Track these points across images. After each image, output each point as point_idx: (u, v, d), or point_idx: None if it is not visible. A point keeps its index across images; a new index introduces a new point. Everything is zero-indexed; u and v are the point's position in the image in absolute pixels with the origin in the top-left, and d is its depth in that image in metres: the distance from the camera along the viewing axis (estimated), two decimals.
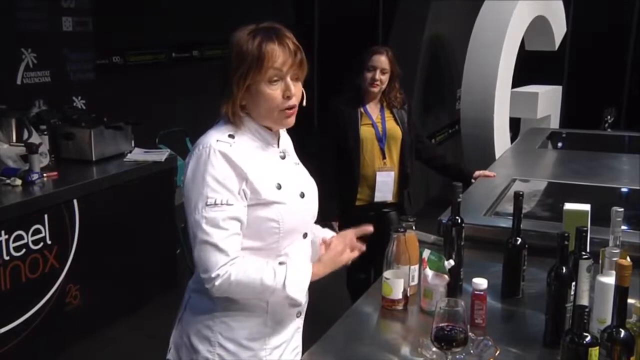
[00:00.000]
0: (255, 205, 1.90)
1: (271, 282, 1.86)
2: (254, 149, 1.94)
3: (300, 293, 1.91)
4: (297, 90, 1.93)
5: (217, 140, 1.87)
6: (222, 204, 1.83)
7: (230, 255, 1.83)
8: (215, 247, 1.82)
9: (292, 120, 1.96)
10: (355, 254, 2.10)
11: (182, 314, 2.05)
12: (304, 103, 1.99)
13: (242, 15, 6.86)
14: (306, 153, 2.14)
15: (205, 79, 6.58)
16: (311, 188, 2.09)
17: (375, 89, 3.80)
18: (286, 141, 2.10)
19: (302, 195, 2.02)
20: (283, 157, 2.04)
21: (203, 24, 6.73)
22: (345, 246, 2.07)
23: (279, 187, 1.94)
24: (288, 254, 1.99)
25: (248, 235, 1.92)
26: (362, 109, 3.86)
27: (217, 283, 1.82)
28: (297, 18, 8.19)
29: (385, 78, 3.80)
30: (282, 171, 1.99)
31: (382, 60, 3.79)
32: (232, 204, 1.84)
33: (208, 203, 1.83)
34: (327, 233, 2.21)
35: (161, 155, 5.00)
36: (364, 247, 2.11)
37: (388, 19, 8.19)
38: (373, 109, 3.89)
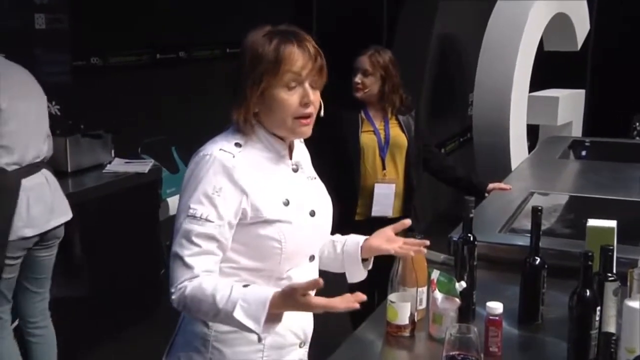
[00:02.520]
0: (256, 223, 1.92)
1: (222, 303, 1.77)
2: (262, 161, 1.96)
3: (251, 321, 1.74)
4: (315, 98, 1.95)
5: (220, 149, 1.90)
6: (200, 219, 1.86)
7: (195, 272, 1.84)
8: (182, 260, 1.85)
9: (308, 130, 1.98)
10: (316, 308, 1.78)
11: (174, 337, 2.07)
12: (322, 113, 2.01)
13: (234, 14, 6.91)
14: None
15: (194, 83, 6.61)
16: (325, 206, 2.12)
17: (358, 94, 3.81)
18: (301, 153, 2.11)
19: (313, 214, 2.03)
20: (295, 170, 2.05)
21: (191, 23, 6.74)
22: (328, 303, 1.76)
23: (287, 203, 1.95)
24: (291, 277, 1.99)
25: (247, 255, 1.94)
26: (363, 114, 3.86)
27: (174, 297, 1.85)
28: (294, 16, 8.21)
29: (369, 81, 3.80)
30: (291, 186, 2.01)
31: (364, 61, 3.80)
32: (211, 221, 1.86)
33: (189, 214, 1.87)
34: (357, 239, 2.26)
35: (144, 166, 5.00)
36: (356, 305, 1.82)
37: (393, 17, 8.20)
38: (376, 114, 3.88)
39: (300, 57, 1.90)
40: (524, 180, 4.45)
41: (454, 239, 2.70)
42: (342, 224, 3.83)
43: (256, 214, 1.91)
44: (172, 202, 5.57)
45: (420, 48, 7.56)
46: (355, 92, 3.81)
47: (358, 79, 3.79)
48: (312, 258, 2.08)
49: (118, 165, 4.95)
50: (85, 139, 4.77)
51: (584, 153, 5.83)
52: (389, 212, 3.90)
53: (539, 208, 2.37)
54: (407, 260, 2.28)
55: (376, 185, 3.86)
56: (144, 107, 5.96)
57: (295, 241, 1.97)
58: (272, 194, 1.94)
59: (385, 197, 3.87)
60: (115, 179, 4.76)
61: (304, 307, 1.75)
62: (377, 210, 3.88)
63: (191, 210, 1.86)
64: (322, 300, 1.74)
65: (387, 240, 2.22)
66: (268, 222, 1.92)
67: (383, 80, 3.82)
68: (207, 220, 1.85)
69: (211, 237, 1.86)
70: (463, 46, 8.28)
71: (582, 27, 8.14)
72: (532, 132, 7.64)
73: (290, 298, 1.73)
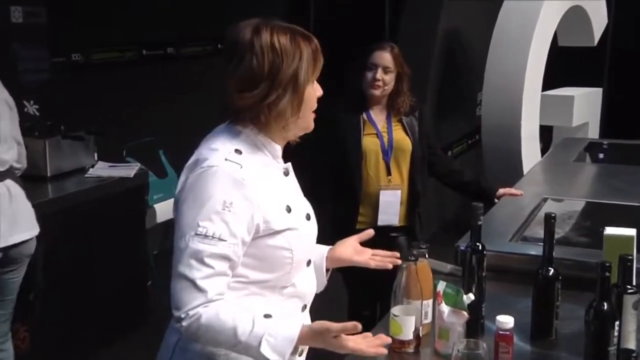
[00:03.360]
0: (266, 235, 1.94)
1: (245, 337, 1.82)
2: (262, 167, 1.98)
3: (277, 356, 1.81)
4: None
5: (226, 160, 1.90)
6: (213, 237, 1.85)
7: (209, 297, 1.83)
8: (193, 284, 1.83)
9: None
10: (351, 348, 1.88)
11: (170, 356, 2.04)
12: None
13: (226, 7, 6.90)
14: (297, 168, 2.15)
15: (183, 81, 6.60)
16: (311, 209, 2.15)
17: (377, 91, 3.80)
18: None
19: (308, 217, 2.09)
20: (286, 174, 2.08)
21: (180, 16, 6.74)
22: (356, 346, 1.87)
23: (289, 209, 1.99)
24: (295, 284, 2.04)
25: (258, 268, 1.95)
26: (364, 116, 3.86)
27: (184, 324, 1.83)
28: (290, 10, 8.21)
29: (389, 78, 3.80)
30: (288, 191, 2.05)
31: (385, 57, 3.79)
32: (224, 240, 1.85)
33: (198, 232, 1.85)
34: (322, 249, 2.30)
35: (129, 170, 4.99)
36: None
37: (396, 12, 8.21)
38: (378, 116, 3.88)
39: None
40: (536, 185, 4.45)
41: (462, 248, 2.70)
42: (343, 233, 3.84)
43: (267, 226, 1.93)
44: (160, 208, 5.57)
45: (425, 44, 7.56)
46: (373, 89, 3.79)
47: (379, 75, 3.78)
48: (309, 263, 2.12)
49: (101, 170, 4.94)
50: (65, 141, 4.76)
51: (601, 156, 5.83)
52: (395, 221, 3.90)
53: (553, 215, 2.37)
54: (411, 271, 2.28)
55: (381, 192, 3.85)
56: (129, 106, 5.96)
57: (303, 248, 2.01)
58: (276, 202, 1.96)
59: (391, 204, 3.86)
60: (99, 184, 4.75)
61: (333, 347, 1.85)
62: (383, 219, 3.87)
63: (200, 229, 1.84)
64: (351, 344, 1.84)
65: (355, 252, 2.33)
66: (277, 232, 1.95)
67: (399, 77, 3.83)
68: (219, 239, 1.85)
69: (224, 257, 1.86)
70: (471, 42, 8.28)
71: (599, 20, 8.14)
72: (546, 133, 7.64)
73: (320, 337, 1.83)
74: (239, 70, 1.92)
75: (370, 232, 2.37)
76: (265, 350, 1.80)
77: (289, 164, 2.10)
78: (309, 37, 1.99)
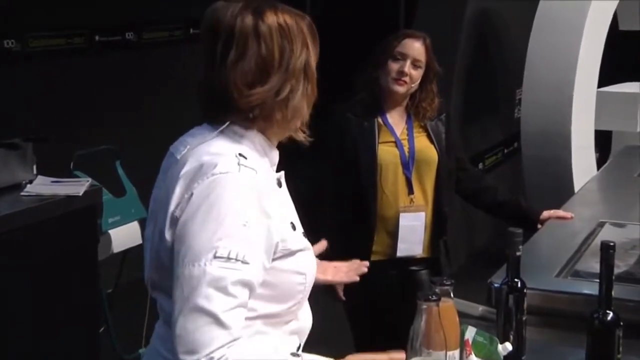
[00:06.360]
0: (280, 257, 1.98)
1: None
2: (267, 175, 2.04)
3: None
4: None
5: (239, 164, 1.93)
6: (236, 260, 1.86)
7: (234, 334, 1.84)
8: (215, 318, 1.83)
9: None
10: None
11: None
12: None
13: None
14: (294, 184, 2.16)
15: (146, 75, 6.61)
16: None
17: (401, 88, 3.79)
18: None
19: (305, 236, 2.13)
20: (280, 185, 2.12)
21: None
22: None
23: (293, 227, 2.04)
24: (299, 318, 2.11)
25: (268, 298, 1.99)
26: (380, 120, 3.85)
27: None
28: None
29: (417, 74, 3.79)
30: (287, 205, 2.11)
31: (416, 47, 3.79)
32: (248, 263, 1.87)
33: (218, 255, 1.85)
34: None
35: (78, 187, 4.99)
36: None
37: None
38: (397, 119, 3.88)
39: None
40: (591, 206, 4.46)
41: (496, 285, 2.71)
42: None
43: (284, 246, 1.97)
44: (116, 235, 5.55)
45: (450, 30, 7.58)
46: (398, 85, 3.77)
47: (407, 69, 3.77)
48: None
49: (42, 186, 4.93)
50: None
51: None
52: (418, 250, 3.89)
53: (612, 244, 2.36)
54: (432, 314, 2.28)
55: (401, 215, 3.83)
56: (78, 106, 5.96)
57: (313, 271, 2.07)
58: (285, 217, 2.02)
59: (413, 230, 3.84)
60: (39, 204, 4.73)
61: None
62: (404, 249, 3.85)
63: (221, 250, 1.85)
64: None
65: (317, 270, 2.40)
66: (292, 252, 2.00)
67: (427, 75, 3.82)
68: (243, 262, 1.86)
69: (247, 284, 1.87)
70: (507, 27, 8.31)
71: None
72: (603, 140, 7.64)
73: None
74: (244, 61, 1.96)
75: (323, 244, 2.57)
76: None
77: (282, 173, 2.13)
78: (301, 14, 2.05)
